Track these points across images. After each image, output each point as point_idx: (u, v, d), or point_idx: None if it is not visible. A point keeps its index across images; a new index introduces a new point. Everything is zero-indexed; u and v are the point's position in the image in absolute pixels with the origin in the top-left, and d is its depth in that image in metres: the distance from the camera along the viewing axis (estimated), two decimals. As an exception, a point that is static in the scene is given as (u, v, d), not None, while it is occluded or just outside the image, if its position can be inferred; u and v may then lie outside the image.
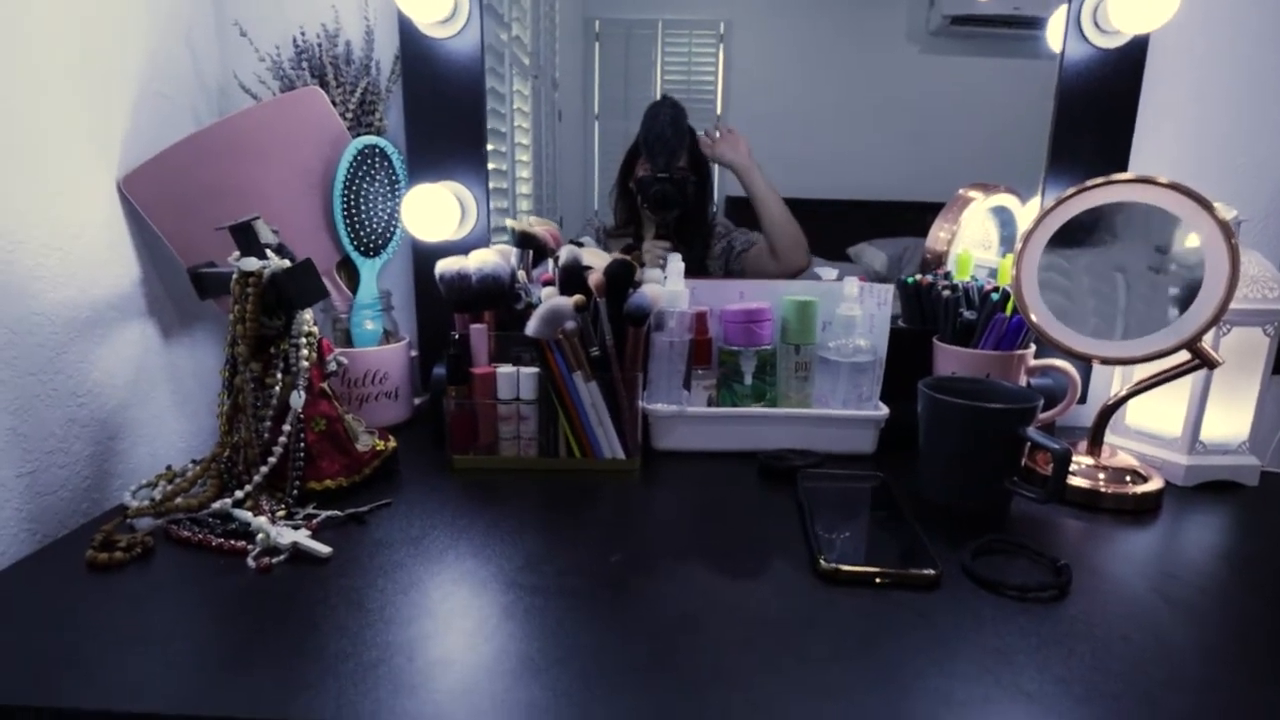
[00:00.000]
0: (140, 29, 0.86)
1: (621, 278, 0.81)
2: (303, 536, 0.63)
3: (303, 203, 0.89)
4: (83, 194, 0.77)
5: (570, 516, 0.73)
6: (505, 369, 0.82)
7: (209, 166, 0.84)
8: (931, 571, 0.59)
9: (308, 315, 0.71)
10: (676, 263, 0.88)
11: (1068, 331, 0.78)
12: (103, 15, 0.81)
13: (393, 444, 0.82)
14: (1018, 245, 0.79)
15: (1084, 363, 0.79)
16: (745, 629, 0.54)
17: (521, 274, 0.88)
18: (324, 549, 0.62)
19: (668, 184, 1.07)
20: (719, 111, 1.11)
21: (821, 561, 0.60)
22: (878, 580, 0.59)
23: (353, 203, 0.90)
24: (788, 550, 0.65)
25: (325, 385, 0.76)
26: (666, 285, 0.86)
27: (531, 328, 0.77)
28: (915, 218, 1.11)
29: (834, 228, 1.12)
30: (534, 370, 0.81)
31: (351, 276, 0.95)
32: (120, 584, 0.61)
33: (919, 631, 0.54)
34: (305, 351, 0.71)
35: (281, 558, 0.61)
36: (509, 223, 0.86)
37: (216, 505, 0.70)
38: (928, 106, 1.11)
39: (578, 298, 0.78)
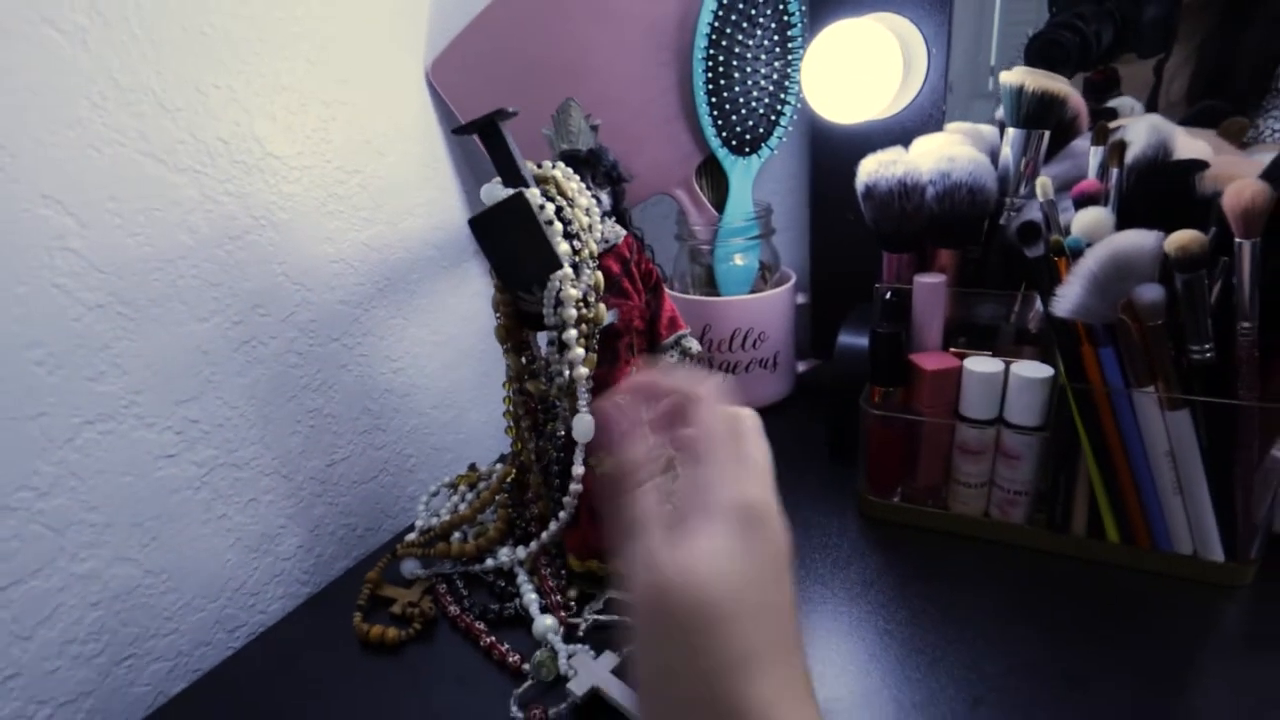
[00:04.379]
0: None
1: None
2: (610, 678, 0.36)
3: (655, 78, 0.59)
4: (386, 95, 0.58)
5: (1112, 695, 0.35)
6: (981, 363, 0.44)
7: (528, 32, 0.58)
8: None
9: (570, 290, 0.39)
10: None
11: None
12: None
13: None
14: None
15: None
16: None
17: (1025, 179, 0.47)
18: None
19: None
20: None
21: None
22: None
23: (721, 70, 0.57)
24: None
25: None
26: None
27: (1071, 296, 0.38)
28: None
29: None
30: (1042, 373, 0.42)
31: (717, 185, 0.64)
32: (384, 668, 0.43)
33: None
34: (575, 350, 0.41)
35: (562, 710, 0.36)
36: (1008, 76, 0.45)
37: (499, 557, 0.48)
38: None
39: (1186, 236, 0.36)
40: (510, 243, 0.36)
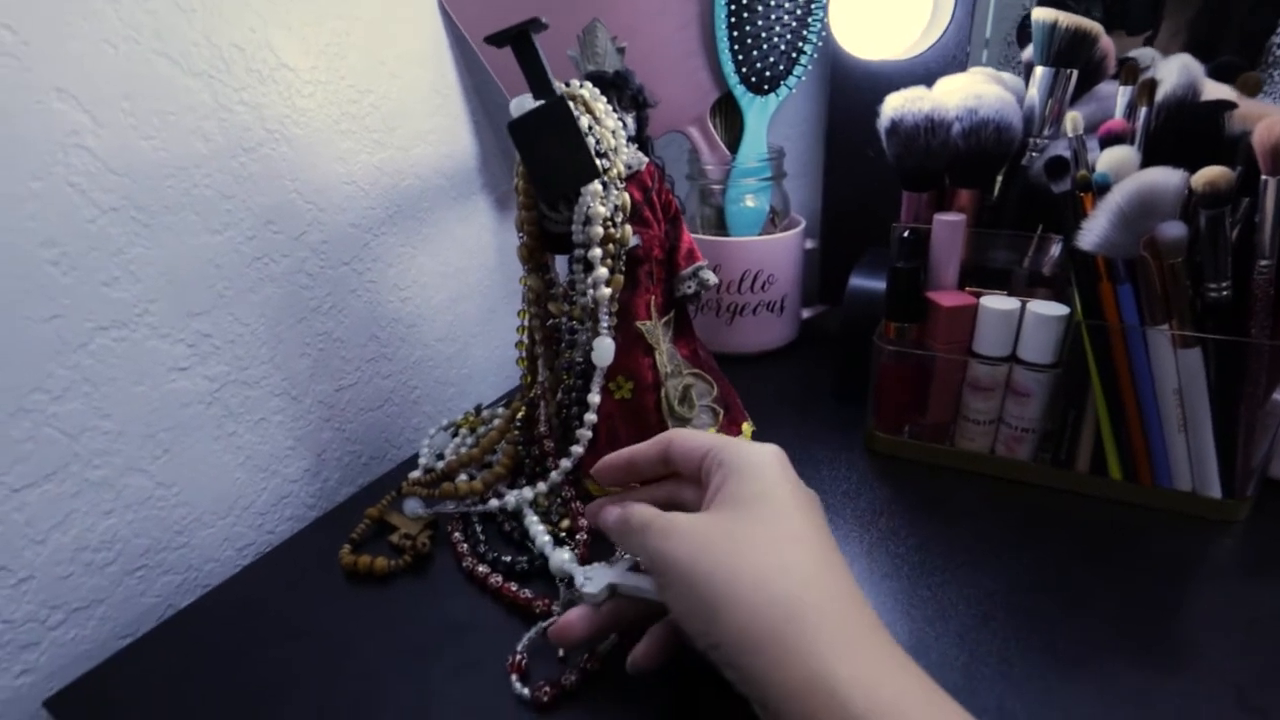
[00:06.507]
0: None
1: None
2: (627, 574, 0.36)
3: (674, 11, 0.58)
4: (400, 15, 0.56)
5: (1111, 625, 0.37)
6: (997, 301, 0.45)
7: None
8: None
9: (599, 207, 0.39)
10: None
11: None
12: None
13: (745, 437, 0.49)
14: None
15: None
16: None
17: (1050, 120, 0.47)
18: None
19: None
20: None
21: None
22: None
23: (744, 3, 0.56)
24: None
25: (650, 324, 0.46)
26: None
27: (1096, 230, 0.38)
28: None
29: None
30: (1058, 310, 0.43)
31: (731, 125, 0.64)
32: (376, 597, 0.43)
33: None
34: (600, 270, 0.41)
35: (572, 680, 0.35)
36: (1040, 13, 0.45)
37: (508, 498, 0.46)
38: None
39: (1215, 172, 0.36)
40: (548, 149, 0.35)
